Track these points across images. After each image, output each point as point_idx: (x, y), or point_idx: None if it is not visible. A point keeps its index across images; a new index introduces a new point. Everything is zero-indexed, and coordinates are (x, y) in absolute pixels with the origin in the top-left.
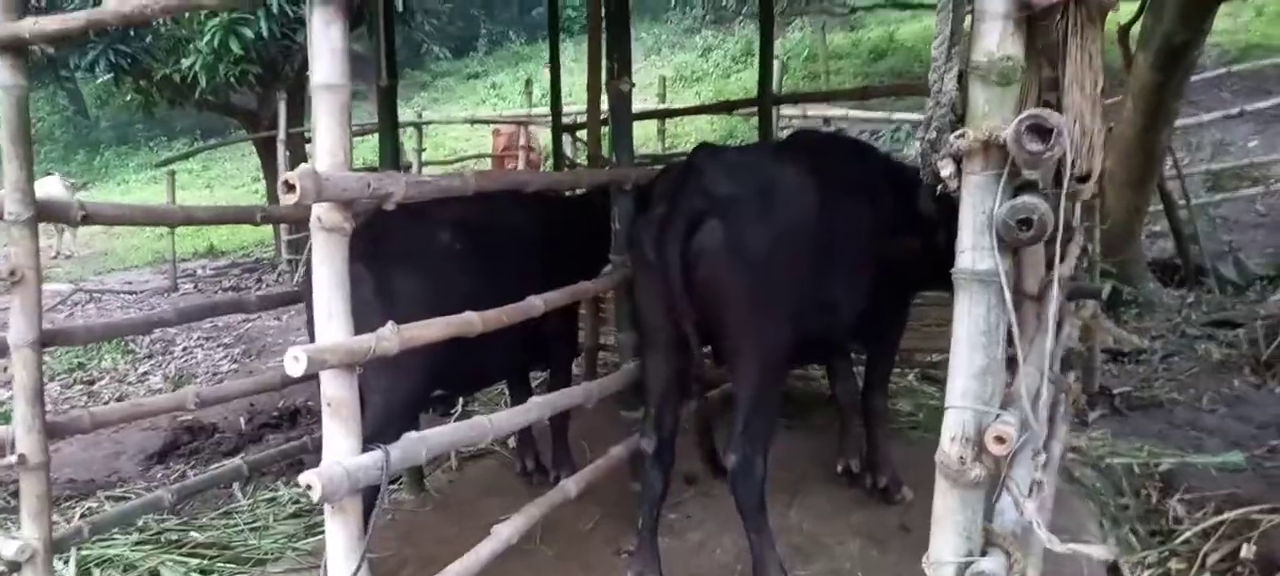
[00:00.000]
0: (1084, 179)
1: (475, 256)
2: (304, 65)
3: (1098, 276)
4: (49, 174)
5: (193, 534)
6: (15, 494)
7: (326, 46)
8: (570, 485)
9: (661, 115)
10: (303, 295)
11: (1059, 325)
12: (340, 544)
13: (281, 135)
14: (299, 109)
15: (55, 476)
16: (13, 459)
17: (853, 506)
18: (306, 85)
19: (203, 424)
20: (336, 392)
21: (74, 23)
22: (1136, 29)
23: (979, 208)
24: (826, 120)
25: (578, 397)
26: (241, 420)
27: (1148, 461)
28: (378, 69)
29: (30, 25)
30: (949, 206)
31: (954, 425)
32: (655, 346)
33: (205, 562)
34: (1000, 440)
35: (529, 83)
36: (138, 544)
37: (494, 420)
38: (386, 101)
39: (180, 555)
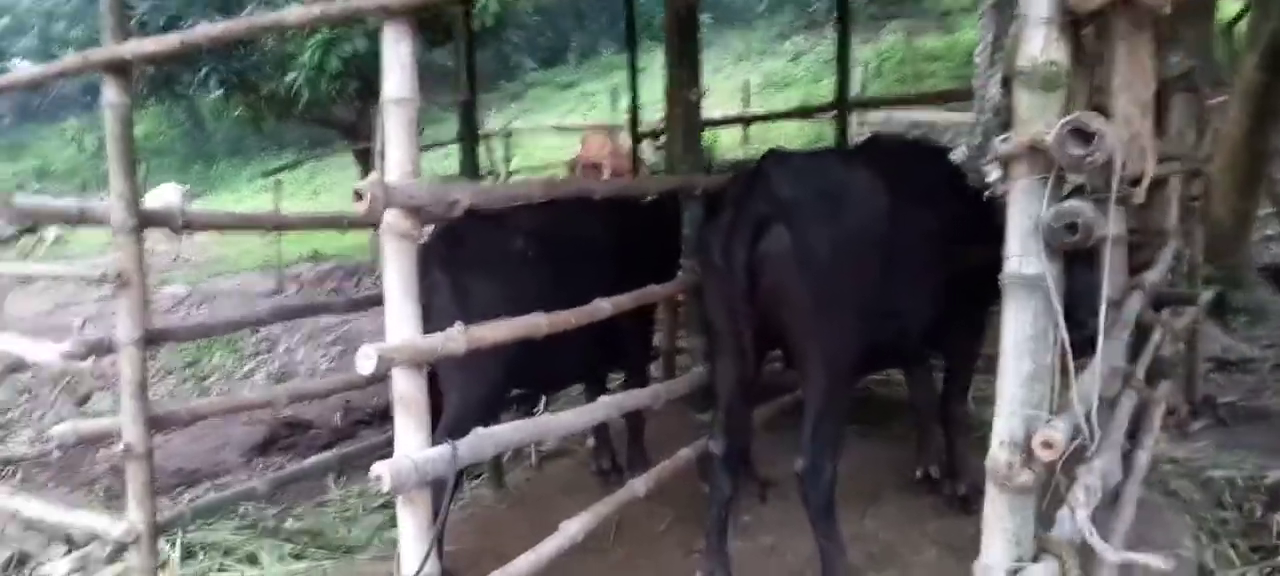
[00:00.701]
0: (1135, 182)
1: (549, 262)
2: None
3: (1200, 282)
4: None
5: (289, 522)
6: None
7: (397, 62)
8: (639, 485)
9: (740, 122)
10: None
11: (1143, 331)
12: (410, 532)
13: (377, 147)
14: None
15: (165, 465)
16: (119, 448)
17: (930, 515)
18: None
19: (301, 419)
20: (407, 390)
21: (169, 44)
22: (1242, 26)
23: (1025, 212)
24: (914, 124)
25: (645, 399)
26: (336, 416)
27: (1253, 474)
28: (458, 82)
29: (132, 47)
30: None
31: (1002, 430)
32: (723, 350)
33: (299, 548)
34: (1048, 445)
35: (617, 91)
36: (238, 529)
37: (559, 419)
38: (466, 114)
39: (276, 541)
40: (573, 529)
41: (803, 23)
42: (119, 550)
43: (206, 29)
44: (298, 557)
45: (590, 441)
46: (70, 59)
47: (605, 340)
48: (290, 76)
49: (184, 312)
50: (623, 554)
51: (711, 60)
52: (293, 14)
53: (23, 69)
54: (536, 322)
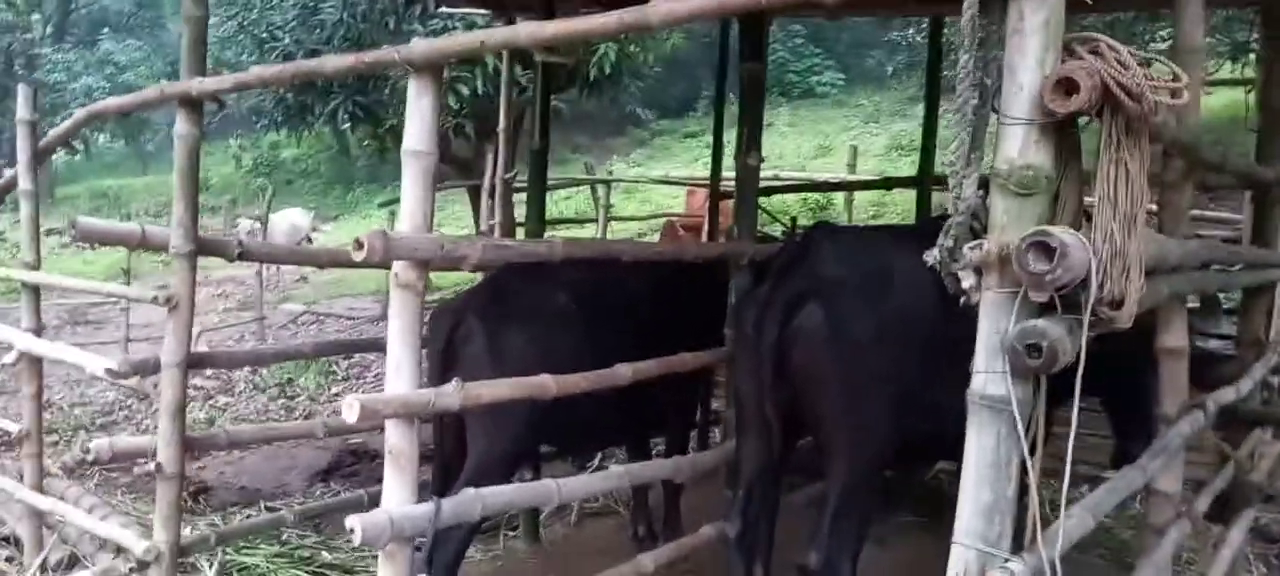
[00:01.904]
0: (1116, 305)
1: (589, 320)
2: (516, 121)
3: None
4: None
5: (324, 553)
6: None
7: (417, 114)
8: (647, 560)
9: (804, 189)
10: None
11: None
12: None
13: (485, 184)
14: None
15: (233, 481)
16: (151, 466)
17: None
18: (517, 139)
19: (367, 448)
20: (397, 442)
21: (226, 82)
22: None
23: (994, 328)
24: None
25: (666, 471)
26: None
27: None
28: (532, 132)
29: (196, 84)
30: None
31: (957, 563)
32: (749, 427)
33: None
34: None
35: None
36: (275, 555)
37: (563, 485)
38: (537, 162)
39: (308, 571)
40: None
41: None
42: (141, 567)
43: (260, 71)
44: None
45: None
46: (149, 91)
47: (642, 404)
48: None
49: (294, 331)
50: None
51: (840, 119)
52: (329, 63)
53: (115, 99)
54: (544, 384)
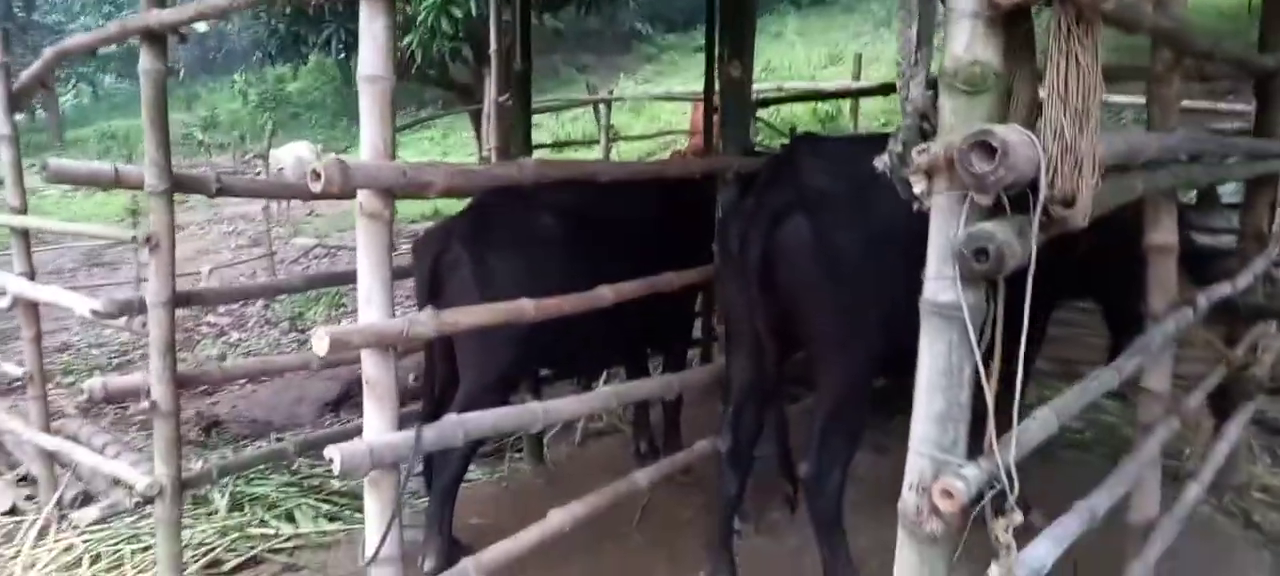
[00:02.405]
0: (1068, 204)
1: (579, 241)
2: (509, 43)
3: None
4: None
5: (333, 482)
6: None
7: (371, 39)
8: (641, 477)
9: (803, 99)
10: (410, 270)
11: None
12: (373, 514)
13: (486, 109)
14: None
15: (245, 414)
16: (145, 404)
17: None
18: (513, 61)
19: None
20: (374, 373)
21: (187, 12)
22: None
23: (943, 233)
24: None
25: (656, 389)
26: (410, 377)
27: None
28: (514, 53)
29: (155, 16)
30: None
31: (912, 472)
32: (738, 344)
33: (336, 509)
34: (948, 494)
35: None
36: (284, 485)
37: (548, 407)
38: (521, 85)
39: (316, 499)
40: (558, 519)
41: None
42: (145, 502)
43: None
44: (331, 519)
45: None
46: (110, 26)
47: (636, 323)
48: (407, 38)
49: (306, 264)
50: (642, 541)
51: (852, 26)
52: None
53: (80, 36)
54: (521, 309)
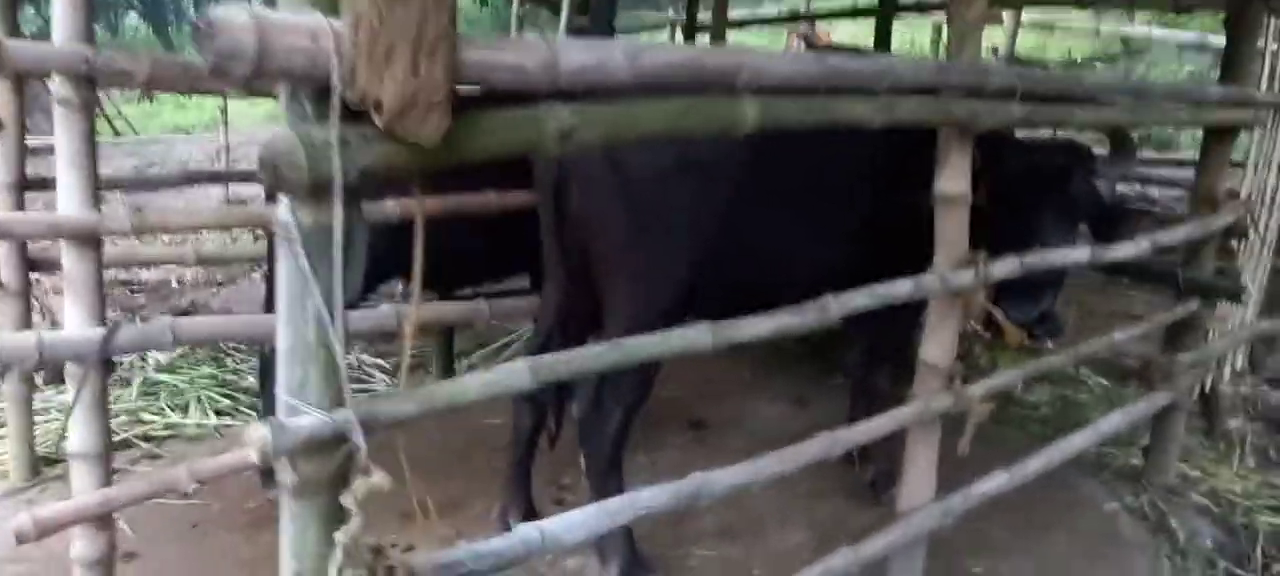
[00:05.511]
0: (378, 107)
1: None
2: None
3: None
4: None
5: (232, 377)
6: None
7: None
8: None
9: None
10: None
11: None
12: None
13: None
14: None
15: None
16: None
17: (832, 497)
18: None
19: None
20: (73, 267)
21: None
22: None
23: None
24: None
25: (466, 314)
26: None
27: None
28: None
29: None
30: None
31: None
32: (548, 272)
33: (233, 404)
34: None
35: None
36: (198, 378)
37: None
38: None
39: (218, 392)
40: None
41: None
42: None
43: None
44: (220, 413)
45: None
46: None
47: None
48: None
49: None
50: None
51: None
52: None
53: None
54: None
